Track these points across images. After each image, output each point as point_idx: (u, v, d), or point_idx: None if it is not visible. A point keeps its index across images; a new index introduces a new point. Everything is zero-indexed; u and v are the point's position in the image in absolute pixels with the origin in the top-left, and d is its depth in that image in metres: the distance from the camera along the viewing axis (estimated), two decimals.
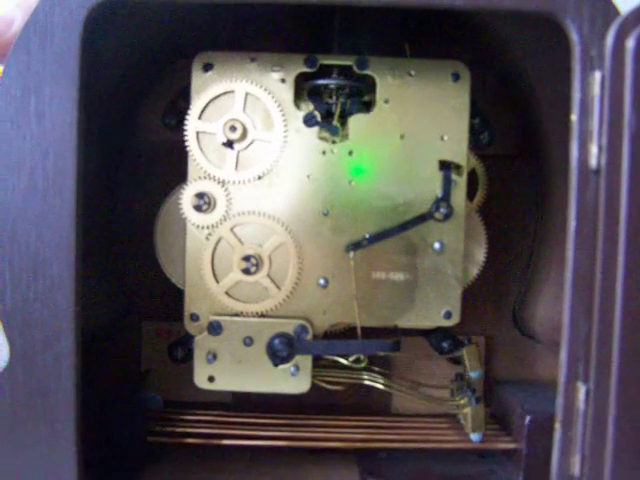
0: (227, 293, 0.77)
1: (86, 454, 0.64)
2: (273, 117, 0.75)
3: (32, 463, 0.63)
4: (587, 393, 0.59)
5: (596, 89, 0.58)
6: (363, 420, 0.85)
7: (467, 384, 0.83)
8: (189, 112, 0.76)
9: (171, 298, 0.86)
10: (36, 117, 0.60)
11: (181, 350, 0.86)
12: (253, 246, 0.76)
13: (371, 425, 0.84)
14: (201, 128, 0.76)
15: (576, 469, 0.60)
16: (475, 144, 0.83)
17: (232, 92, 0.75)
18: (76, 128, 0.60)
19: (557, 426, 0.60)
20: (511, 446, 0.80)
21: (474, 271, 0.81)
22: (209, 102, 0.76)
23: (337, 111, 0.77)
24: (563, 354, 0.60)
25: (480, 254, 0.81)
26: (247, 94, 0.75)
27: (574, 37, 0.59)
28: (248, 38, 0.83)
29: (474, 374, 0.81)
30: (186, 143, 0.76)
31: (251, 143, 0.76)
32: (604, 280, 0.58)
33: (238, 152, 0.76)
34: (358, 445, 0.81)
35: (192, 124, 0.76)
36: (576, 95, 0.59)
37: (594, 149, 0.58)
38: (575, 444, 0.60)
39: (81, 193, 0.61)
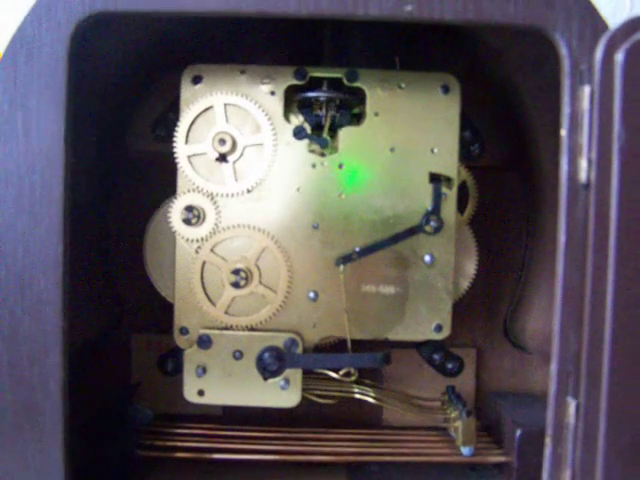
0: (227, 312, 0.76)
1: (75, 469, 0.64)
2: (263, 129, 0.75)
3: (20, 478, 0.62)
4: (577, 408, 0.59)
5: (585, 103, 0.58)
6: (354, 433, 0.84)
7: (458, 397, 0.83)
8: (175, 138, 0.76)
9: (161, 310, 0.86)
10: (23, 131, 0.60)
11: (171, 363, 0.86)
12: (237, 259, 0.76)
13: (362, 438, 0.84)
14: (190, 152, 0.75)
15: None
16: (465, 156, 0.83)
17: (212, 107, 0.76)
18: (63, 142, 0.60)
19: (547, 441, 0.60)
20: (502, 459, 0.79)
21: (465, 284, 0.81)
22: (195, 120, 0.75)
23: (327, 123, 0.77)
24: (553, 368, 0.60)
25: (471, 267, 0.81)
26: (226, 105, 0.75)
27: (563, 51, 0.59)
28: (238, 50, 0.82)
29: (466, 450, 0.80)
30: (177, 163, 0.76)
31: (243, 151, 0.75)
32: (594, 294, 0.58)
33: (234, 163, 0.75)
34: (349, 458, 0.81)
35: (181, 150, 0.75)
36: (565, 109, 0.59)
37: (584, 163, 0.58)
38: (565, 459, 0.60)
39: (68, 208, 0.61)
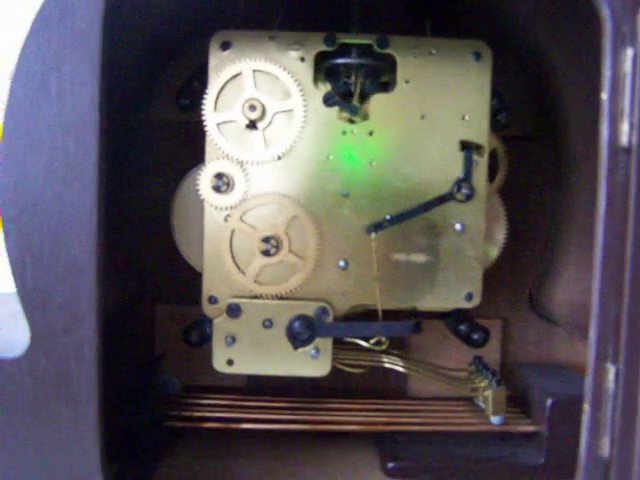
0: (256, 281, 0.76)
1: (106, 437, 0.63)
2: (293, 96, 0.74)
3: (54, 446, 0.62)
4: (617, 374, 0.58)
5: (628, 66, 0.57)
6: (381, 403, 0.84)
7: (486, 367, 0.83)
8: (204, 107, 0.74)
9: (185, 282, 0.85)
10: (56, 94, 0.59)
11: (195, 334, 0.85)
12: (267, 227, 0.75)
13: (389, 408, 0.84)
14: (219, 119, 0.74)
15: (605, 450, 0.59)
16: (492, 125, 0.82)
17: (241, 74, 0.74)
18: (98, 106, 0.59)
19: (586, 407, 0.60)
20: (532, 429, 0.79)
21: (494, 252, 0.80)
22: (223, 87, 0.74)
23: (356, 91, 0.76)
24: (592, 335, 0.59)
25: (500, 235, 0.81)
26: (255, 71, 0.74)
27: (605, 13, 0.58)
28: (266, 16, 0.81)
29: (496, 420, 0.80)
30: (206, 130, 0.75)
31: (273, 118, 0.74)
32: (634, 259, 0.58)
33: (263, 130, 0.74)
34: (378, 428, 0.80)
35: (210, 118, 0.74)
36: (607, 72, 0.58)
37: (625, 127, 0.57)
38: (604, 426, 0.59)
39: (103, 172, 0.60)
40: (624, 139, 0.57)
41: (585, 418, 0.60)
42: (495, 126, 0.84)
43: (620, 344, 0.58)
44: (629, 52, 0.57)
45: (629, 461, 0.59)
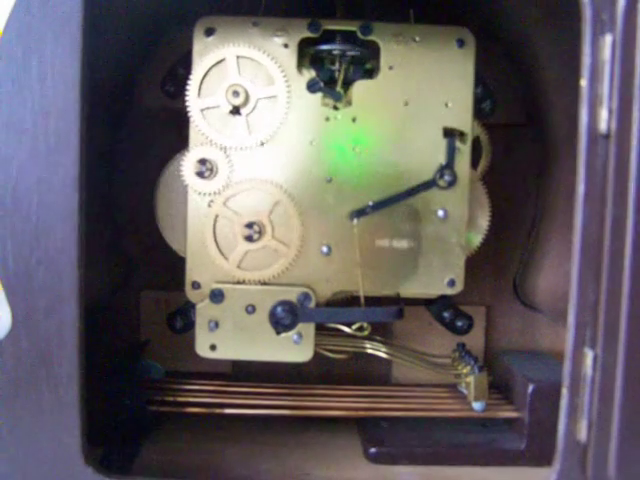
0: (239, 267, 0.76)
1: (88, 421, 0.63)
2: (276, 82, 0.74)
3: (35, 429, 0.62)
4: (594, 359, 0.59)
5: (607, 53, 0.57)
6: (364, 389, 0.85)
7: (469, 353, 0.84)
8: (188, 92, 0.74)
9: (170, 268, 0.85)
10: (38, 78, 0.59)
11: (180, 320, 0.85)
12: (250, 213, 0.76)
13: (372, 394, 0.84)
14: (203, 105, 0.74)
15: (583, 434, 0.60)
16: (477, 113, 0.82)
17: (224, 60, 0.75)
18: (79, 89, 0.59)
19: (564, 392, 0.60)
20: (513, 415, 0.80)
21: (477, 239, 0.81)
22: (207, 72, 0.74)
23: (340, 77, 0.76)
24: (570, 320, 0.60)
25: (483, 222, 0.81)
26: (239, 57, 0.74)
27: (585, 0, 0.58)
28: (250, 2, 0.81)
29: (477, 405, 0.81)
30: (190, 116, 0.75)
31: (256, 104, 0.74)
32: (613, 245, 0.58)
33: (247, 116, 0.74)
34: (360, 414, 0.81)
35: (194, 103, 0.74)
36: (586, 59, 0.58)
37: (604, 113, 0.58)
38: (582, 410, 0.60)
39: (84, 156, 0.60)
40: (603, 125, 0.58)
41: (563, 402, 0.60)
42: (480, 114, 0.84)
43: (598, 329, 0.59)
44: (608, 39, 0.57)
45: (606, 445, 0.59)
